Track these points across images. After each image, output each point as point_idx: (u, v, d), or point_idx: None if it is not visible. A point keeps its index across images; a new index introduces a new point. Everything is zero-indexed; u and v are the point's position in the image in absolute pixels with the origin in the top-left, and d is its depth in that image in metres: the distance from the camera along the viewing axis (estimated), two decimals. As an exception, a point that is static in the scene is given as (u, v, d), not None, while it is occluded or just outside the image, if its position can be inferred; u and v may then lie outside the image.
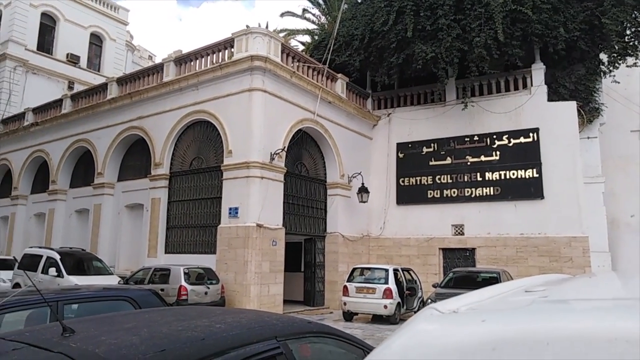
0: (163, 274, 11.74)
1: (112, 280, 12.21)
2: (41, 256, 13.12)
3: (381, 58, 17.24)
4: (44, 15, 26.25)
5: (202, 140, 15.10)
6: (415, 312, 13.64)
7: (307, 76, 15.61)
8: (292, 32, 24.71)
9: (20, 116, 22.26)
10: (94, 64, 28.60)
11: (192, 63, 15.60)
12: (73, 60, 26.76)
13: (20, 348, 1.98)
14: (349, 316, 13.07)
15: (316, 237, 16.18)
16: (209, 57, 15.19)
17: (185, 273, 11.43)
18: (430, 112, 17.93)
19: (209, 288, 11.72)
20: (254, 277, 12.59)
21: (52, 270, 12.28)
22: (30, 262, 13.30)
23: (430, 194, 17.30)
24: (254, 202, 13.08)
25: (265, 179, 13.44)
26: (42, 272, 12.43)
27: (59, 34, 26.77)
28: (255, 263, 12.70)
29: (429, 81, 17.66)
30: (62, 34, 26.84)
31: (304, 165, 16.16)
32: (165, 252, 14.88)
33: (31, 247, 15.04)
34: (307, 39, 25.17)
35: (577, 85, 16.42)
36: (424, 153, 17.69)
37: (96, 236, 17.06)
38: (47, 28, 26.49)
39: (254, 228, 12.81)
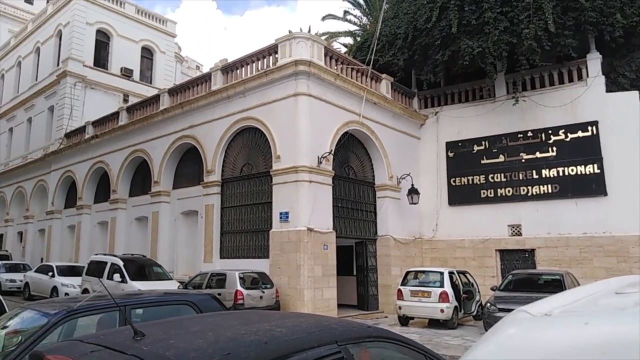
0: (219, 279, 12.05)
1: (171, 286, 12.69)
2: (106, 263, 13.82)
3: (426, 56, 16.96)
4: (99, 32, 27.70)
5: (251, 147, 15.39)
6: (473, 317, 13.33)
7: (351, 78, 15.57)
8: (334, 35, 24.81)
9: (82, 129, 23.52)
10: (146, 76, 29.85)
11: (238, 71, 15.94)
12: (127, 73, 28.05)
13: (98, 350, 2.11)
14: (404, 320, 12.89)
15: (367, 240, 16.08)
16: (254, 64, 15.47)
17: (240, 278, 11.69)
18: (479, 108, 17.45)
19: (263, 292, 11.91)
20: (307, 281, 12.66)
21: (117, 276, 12.89)
22: (96, 269, 14.03)
23: (484, 193, 16.80)
24: (304, 206, 13.17)
25: (314, 183, 13.51)
26: (107, 278, 13.09)
27: (113, 49, 28.15)
28: (308, 267, 12.78)
29: (477, 77, 17.20)
30: (115, 49, 28.21)
31: (351, 167, 16.13)
32: (220, 257, 15.23)
33: (96, 255, 15.84)
34: (349, 40, 25.23)
35: (639, 74, 15.46)
36: (475, 151, 17.22)
37: (155, 242, 17.73)
38: (102, 44, 27.94)
39: (304, 232, 12.90)
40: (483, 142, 17.11)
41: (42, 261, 22.50)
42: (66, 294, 15.40)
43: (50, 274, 16.82)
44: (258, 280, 12.28)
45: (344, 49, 23.63)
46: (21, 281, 18.88)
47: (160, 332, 2.39)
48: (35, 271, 18.28)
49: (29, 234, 26.51)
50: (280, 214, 13.43)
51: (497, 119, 16.89)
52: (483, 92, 17.40)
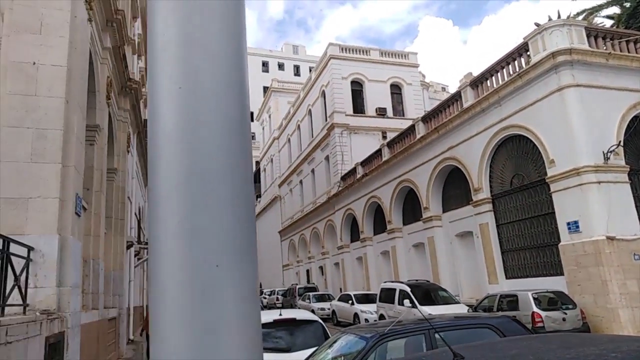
0: (510, 300, 11.33)
1: (460, 309, 12.58)
2: (394, 289, 14.76)
3: None
4: (353, 82, 31.15)
5: (517, 156, 14.38)
6: None
7: (629, 52, 13.10)
8: (594, 10, 21.36)
9: (353, 171, 26.46)
10: (398, 110, 31.70)
11: (488, 82, 15.39)
12: (381, 112, 30.45)
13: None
14: None
15: (695, 242, 12.72)
16: (504, 70, 14.72)
17: (534, 298, 10.73)
18: None
19: (565, 314, 10.61)
20: (619, 299, 10.74)
21: (407, 302, 13.58)
22: (387, 295, 15.13)
23: None
24: (596, 212, 11.43)
25: (604, 183, 11.64)
26: (398, 304, 13.93)
27: (366, 94, 31.16)
28: (617, 282, 10.85)
29: None
30: (368, 93, 31.13)
31: (652, 157, 13.23)
32: (506, 278, 14.43)
33: (385, 282, 17.09)
34: (615, 10, 21.32)
35: None
36: None
37: (435, 267, 18.12)
38: (357, 92, 31.25)
39: (604, 242, 11.10)
40: None
41: (341, 291, 25.64)
42: (366, 319, 16.97)
43: (350, 302, 18.92)
44: (556, 301, 11.03)
45: (609, 23, 20.12)
46: (328, 309, 21.85)
47: (478, 355, 2.40)
48: (338, 300, 20.91)
49: (327, 267, 30.81)
50: (568, 224, 11.94)
51: None
52: None
